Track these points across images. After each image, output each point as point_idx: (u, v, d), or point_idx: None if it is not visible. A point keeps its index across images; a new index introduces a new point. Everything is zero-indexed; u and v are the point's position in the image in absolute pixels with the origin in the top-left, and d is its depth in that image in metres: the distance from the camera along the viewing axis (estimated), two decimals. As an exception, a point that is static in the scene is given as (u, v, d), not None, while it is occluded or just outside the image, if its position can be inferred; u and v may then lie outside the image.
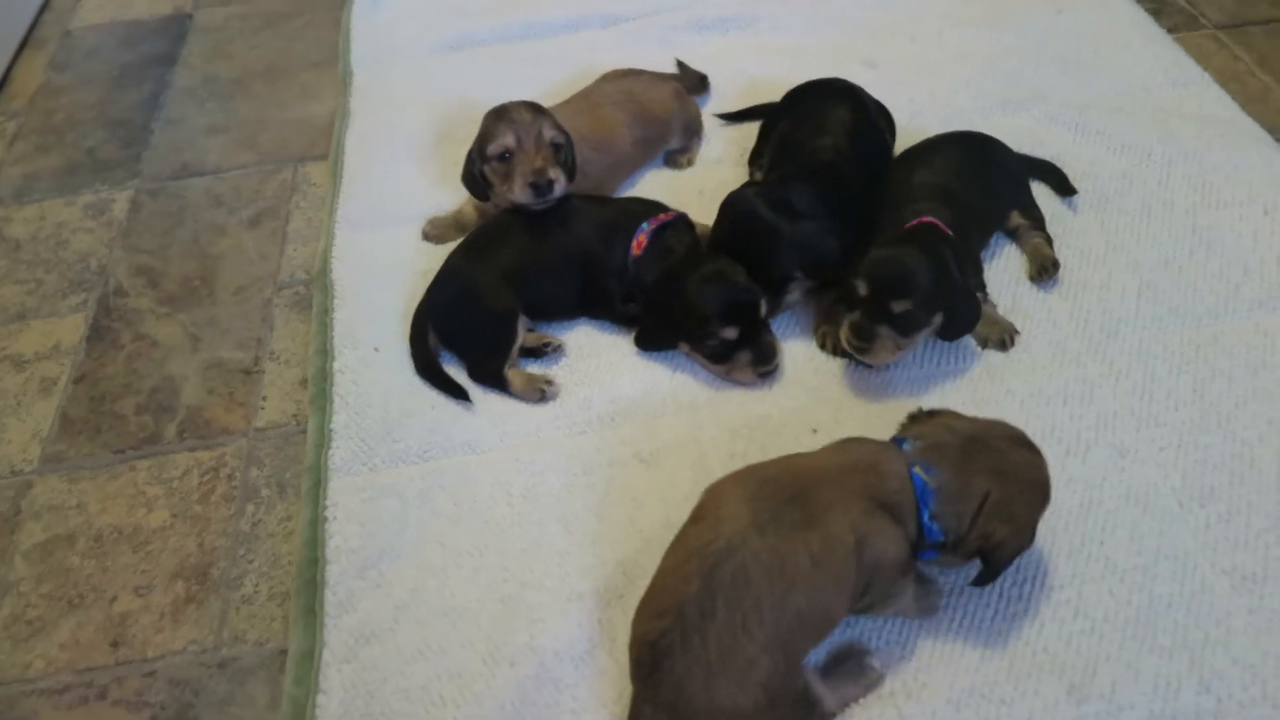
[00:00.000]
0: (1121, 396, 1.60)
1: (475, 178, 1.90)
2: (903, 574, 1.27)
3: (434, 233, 2.04)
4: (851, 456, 1.29)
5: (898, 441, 1.30)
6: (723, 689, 1.16)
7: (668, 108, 2.11)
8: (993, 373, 1.66)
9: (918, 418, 1.36)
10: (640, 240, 1.76)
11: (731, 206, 1.73)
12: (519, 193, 1.81)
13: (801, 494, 1.23)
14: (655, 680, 1.20)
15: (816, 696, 1.24)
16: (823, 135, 1.83)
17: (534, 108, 1.87)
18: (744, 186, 1.79)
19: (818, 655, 1.33)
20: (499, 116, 1.86)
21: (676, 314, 1.67)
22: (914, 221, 1.66)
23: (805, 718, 1.24)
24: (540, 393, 1.72)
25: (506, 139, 1.82)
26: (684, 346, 1.72)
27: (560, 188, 1.81)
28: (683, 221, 1.81)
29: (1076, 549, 1.42)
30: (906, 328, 1.58)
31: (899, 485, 1.25)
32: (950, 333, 1.63)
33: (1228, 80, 2.18)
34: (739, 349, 1.65)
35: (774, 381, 1.69)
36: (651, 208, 1.84)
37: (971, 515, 1.23)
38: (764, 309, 1.66)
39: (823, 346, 1.74)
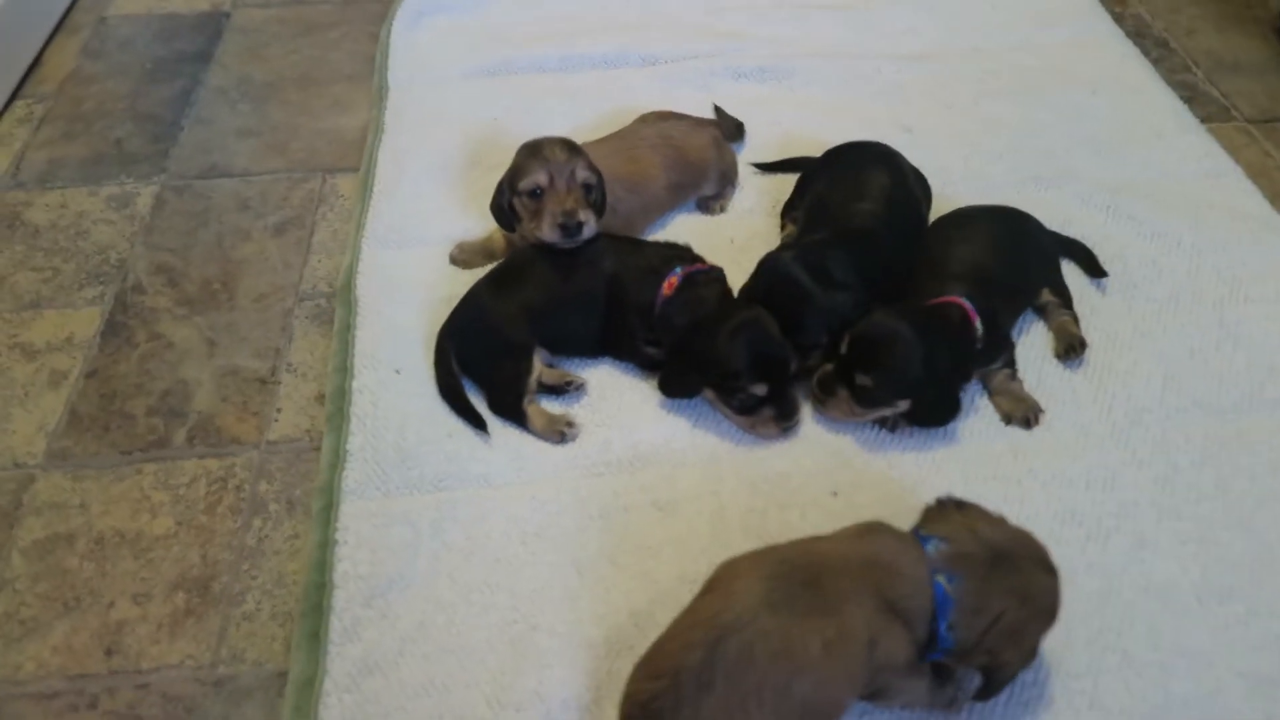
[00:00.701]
0: (1143, 486, 1.60)
1: (504, 209, 1.90)
2: (909, 675, 1.26)
3: (461, 258, 2.03)
4: (872, 549, 1.26)
5: (922, 539, 1.27)
6: None
7: (705, 155, 2.11)
8: (1016, 450, 1.66)
9: (945, 506, 1.33)
10: (671, 281, 1.74)
11: (769, 269, 1.74)
12: (547, 232, 1.80)
13: (817, 580, 1.21)
14: None
15: None
16: (861, 200, 1.84)
17: (569, 146, 1.86)
18: (782, 249, 1.79)
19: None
20: (533, 152, 1.85)
21: (706, 363, 1.66)
22: (942, 299, 1.67)
23: None
24: (560, 434, 1.70)
25: (539, 176, 1.81)
26: (708, 394, 1.70)
27: (589, 230, 1.81)
28: (717, 272, 1.80)
29: (1094, 638, 1.41)
30: (863, 400, 1.63)
31: (914, 590, 1.22)
32: (916, 421, 1.66)
33: (1256, 175, 2.21)
34: (764, 403, 1.65)
35: (796, 440, 1.69)
36: (685, 254, 1.83)
37: (981, 631, 1.21)
38: (794, 366, 1.66)
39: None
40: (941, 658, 1.27)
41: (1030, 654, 1.26)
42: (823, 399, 1.66)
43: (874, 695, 1.28)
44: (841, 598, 1.19)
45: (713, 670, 1.14)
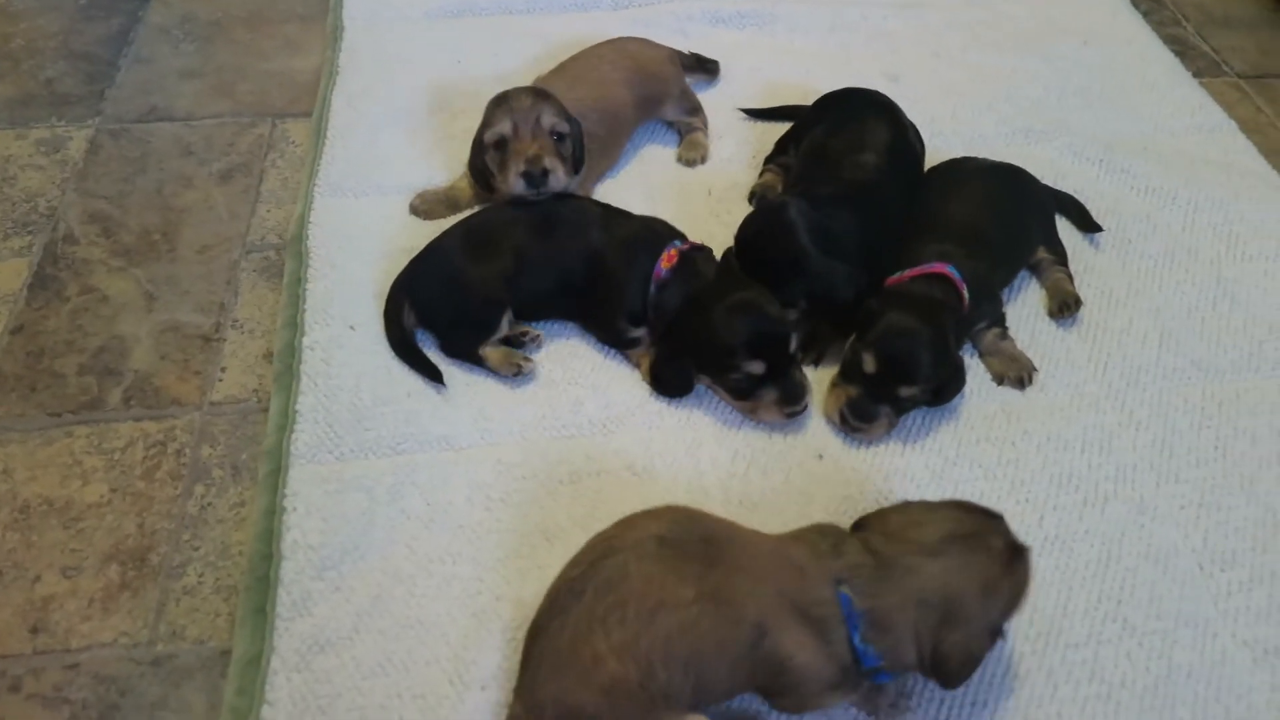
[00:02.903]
0: (1141, 449, 1.53)
1: (481, 168, 1.77)
2: (829, 689, 1.15)
3: (423, 207, 1.89)
4: (784, 547, 1.19)
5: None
6: (566, 681, 1.11)
7: (664, 69, 2.05)
8: (1009, 412, 1.58)
9: (862, 524, 1.24)
10: (671, 255, 1.60)
11: (770, 216, 1.62)
12: (512, 182, 1.67)
13: (718, 541, 1.16)
14: (524, 665, 1.18)
15: None
16: (864, 151, 1.73)
17: (537, 94, 1.74)
18: (787, 198, 1.65)
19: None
20: (498, 103, 1.74)
21: (698, 342, 1.53)
22: (925, 268, 1.58)
23: None
24: (517, 368, 1.60)
25: (503, 126, 1.69)
26: (705, 379, 1.57)
27: (558, 181, 1.68)
28: (708, 251, 1.67)
29: (1093, 607, 1.34)
30: (907, 408, 1.53)
31: (822, 598, 1.13)
32: (935, 403, 1.57)
33: (1249, 130, 2.13)
34: (765, 386, 1.52)
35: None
36: (674, 232, 1.69)
37: (914, 646, 1.12)
38: (794, 344, 1.53)
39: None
40: (893, 679, 1.19)
41: (977, 639, 1.13)
42: (862, 427, 1.51)
43: (789, 709, 1.19)
44: (735, 566, 1.14)
45: (585, 583, 1.14)
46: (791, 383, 1.52)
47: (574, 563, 1.19)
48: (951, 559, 1.13)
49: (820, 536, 1.20)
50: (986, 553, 1.13)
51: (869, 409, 1.50)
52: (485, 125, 1.74)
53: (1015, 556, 1.14)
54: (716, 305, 1.52)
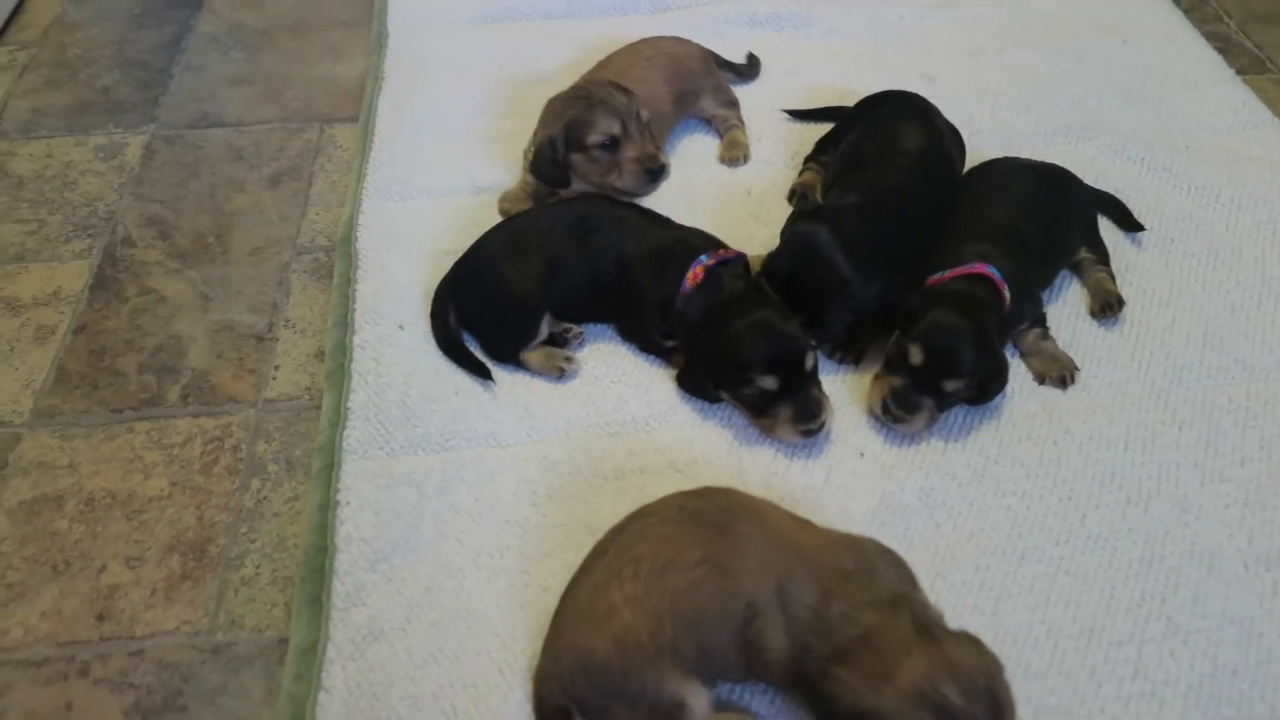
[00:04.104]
0: (1185, 447, 1.53)
1: (557, 166, 1.79)
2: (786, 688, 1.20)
3: (511, 209, 1.91)
4: (809, 539, 1.22)
5: None
6: (583, 627, 1.19)
7: (696, 64, 2.10)
8: (1051, 411, 1.58)
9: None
10: (697, 272, 1.61)
11: (804, 243, 1.60)
12: (629, 179, 1.75)
13: (734, 514, 1.23)
14: (551, 625, 1.27)
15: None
16: (898, 155, 1.74)
17: (623, 88, 1.78)
18: (818, 220, 1.63)
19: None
20: (593, 103, 1.76)
21: (713, 355, 1.53)
22: (966, 268, 1.58)
23: None
24: (560, 370, 1.64)
25: (611, 126, 1.74)
26: (725, 394, 1.57)
27: (667, 171, 1.80)
28: (741, 263, 1.67)
29: (1137, 605, 1.34)
30: (950, 402, 1.54)
31: (803, 599, 1.16)
32: (978, 401, 1.57)
33: (1294, 128, 2.12)
34: (780, 402, 1.50)
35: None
36: (711, 242, 1.69)
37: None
38: (810, 361, 1.50)
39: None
40: None
41: None
42: (904, 417, 1.51)
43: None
44: (745, 541, 1.19)
45: (610, 542, 1.25)
46: (807, 400, 1.50)
47: (608, 536, 1.28)
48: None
49: (866, 559, 1.19)
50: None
51: (913, 399, 1.51)
52: (583, 126, 1.76)
53: None
54: (731, 321, 1.52)
